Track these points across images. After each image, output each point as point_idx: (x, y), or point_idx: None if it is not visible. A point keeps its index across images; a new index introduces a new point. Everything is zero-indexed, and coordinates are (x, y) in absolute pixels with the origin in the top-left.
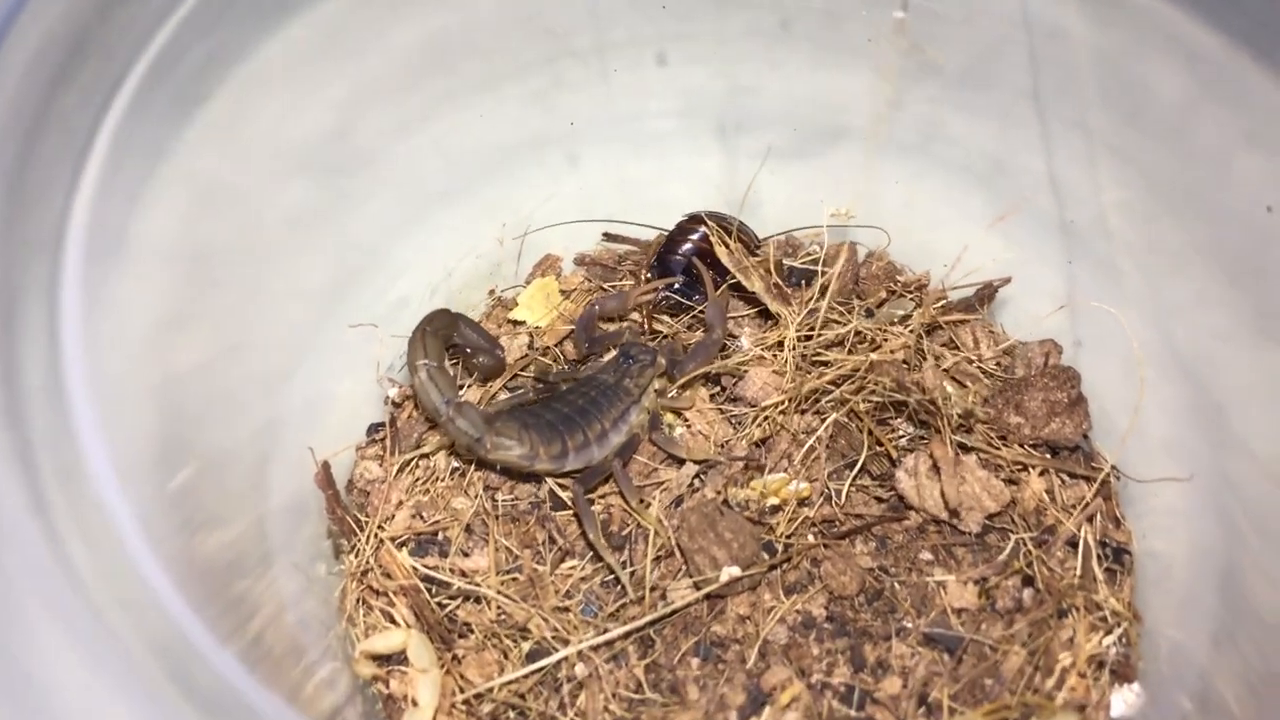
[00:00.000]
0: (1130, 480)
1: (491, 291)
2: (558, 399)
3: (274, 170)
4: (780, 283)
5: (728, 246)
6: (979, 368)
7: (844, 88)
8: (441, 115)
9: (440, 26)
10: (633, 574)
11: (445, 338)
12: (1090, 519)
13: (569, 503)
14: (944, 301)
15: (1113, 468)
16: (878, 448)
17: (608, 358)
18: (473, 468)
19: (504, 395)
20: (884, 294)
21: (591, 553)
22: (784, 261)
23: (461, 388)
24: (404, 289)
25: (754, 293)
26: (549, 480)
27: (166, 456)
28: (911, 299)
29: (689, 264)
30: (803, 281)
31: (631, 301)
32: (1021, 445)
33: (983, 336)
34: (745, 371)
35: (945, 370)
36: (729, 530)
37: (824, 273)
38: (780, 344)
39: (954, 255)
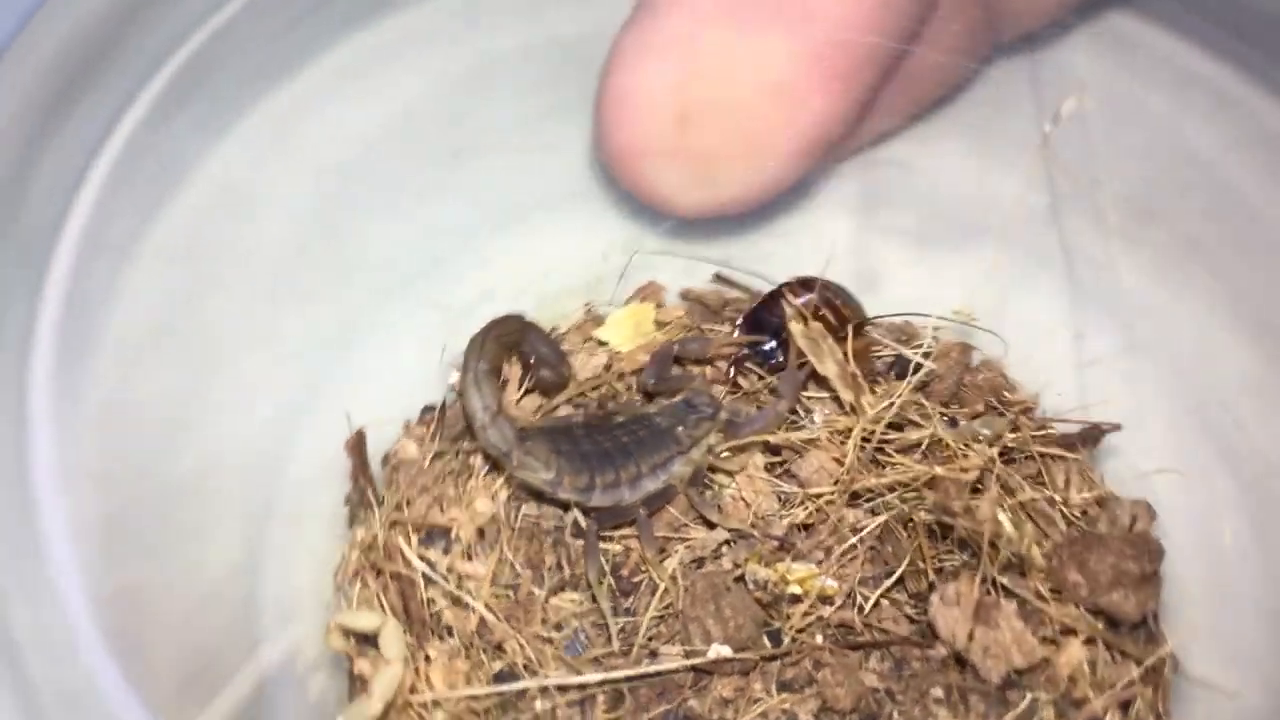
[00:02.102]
0: (1190, 681)
1: (587, 306)
2: (604, 430)
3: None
4: (858, 372)
5: (805, 322)
6: (1061, 510)
7: (994, 185)
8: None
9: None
10: (626, 626)
11: (509, 345)
12: (1125, 705)
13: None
14: (1045, 432)
15: (1171, 656)
16: (920, 564)
17: (670, 401)
18: (505, 473)
19: (565, 410)
20: (982, 406)
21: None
22: (879, 349)
23: (529, 392)
24: (492, 282)
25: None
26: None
27: None
28: (1009, 419)
29: (782, 327)
30: (902, 373)
31: (713, 350)
32: (1076, 605)
33: (1075, 479)
34: (807, 450)
35: (1021, 504)
36: (730, 607)
37: (921, 367)
38: (849, 431)
39: (1071, 385)
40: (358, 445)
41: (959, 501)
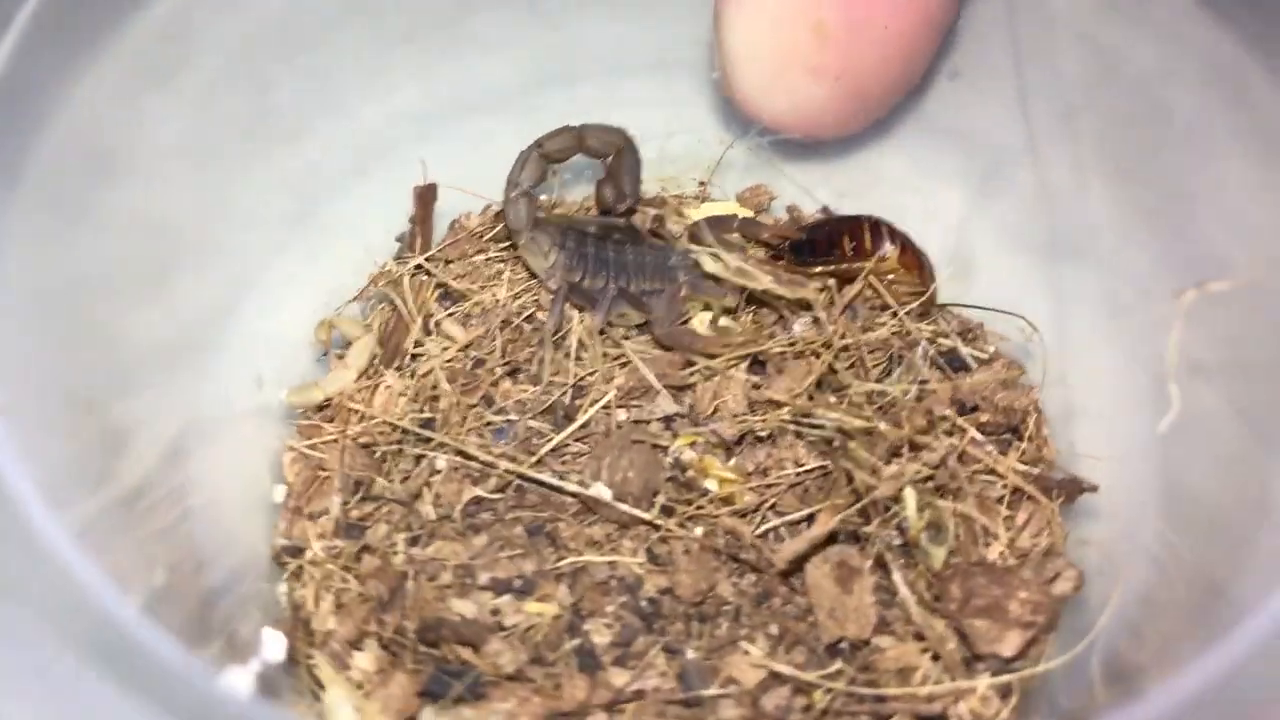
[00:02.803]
0: None
1: (703, 183)
2: (615, 242)
3: None
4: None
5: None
6: (1000, 546)
7: None
8: None
9: None
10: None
11: (601, 147)
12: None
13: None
14: (1029, 468)
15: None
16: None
17: (668, 245)
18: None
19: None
20: (988, 418)
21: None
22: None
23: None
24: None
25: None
26: None
27: None
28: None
29: (828, 238)
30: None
31: (766, 233)
32: (943, 617)
33: (1036, 524)
34: (786, 365)
35: (962, 515)
36: (630, 463)
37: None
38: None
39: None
40: (426, 194)
41: (872, 454)
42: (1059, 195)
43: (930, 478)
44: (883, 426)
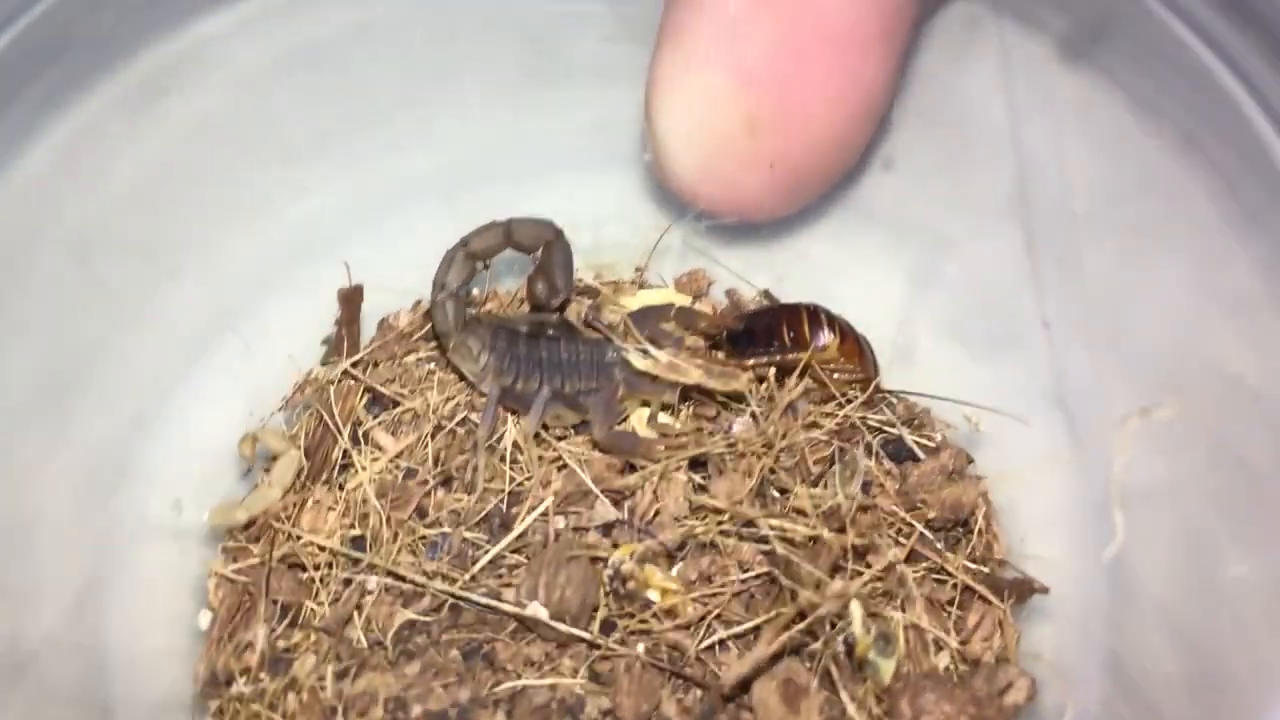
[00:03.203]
0: None
1: (639, 269)
2: (548, 340)
3: None
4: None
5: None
6: (950, 651)
7: None
8: None
9: None
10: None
11: (529, 242)
12: None
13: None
14: (980, 567)
15: None
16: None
17: (602, 338)
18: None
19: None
20: (935, 514)
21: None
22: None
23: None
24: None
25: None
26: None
27: None
28: (950, 543)
29: (766, 328)
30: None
31: (703, 323)
32: None
33: (987, 627)
34: (726, 467)
35: (913, 625)
36: (568, 580)
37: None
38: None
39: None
40: (351, 296)
41: (817, 564)
42: (997, 288)
43: (879, 580)
44: (827, 535)
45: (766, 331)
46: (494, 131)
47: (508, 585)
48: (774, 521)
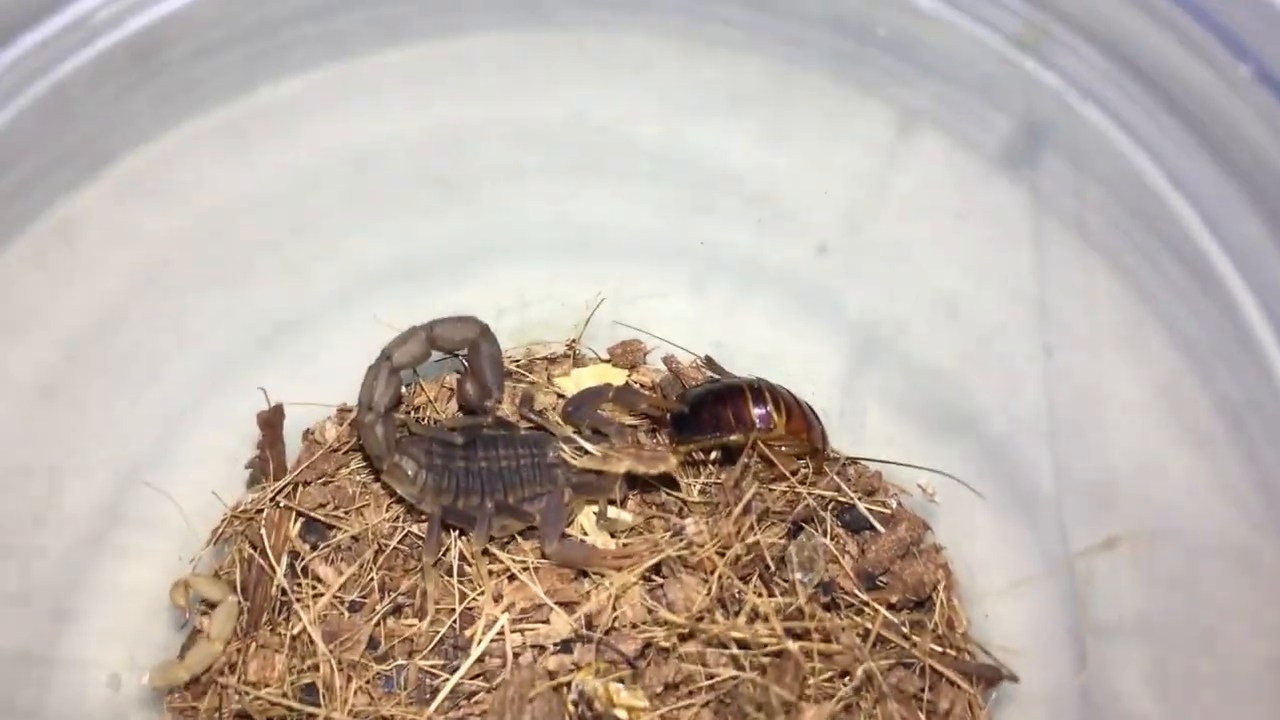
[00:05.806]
0: None
1: (571, 343)
2: (486, 447)
3: None
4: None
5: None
6: None
7: None
8: None
9: None
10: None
11: (452, 344)
12: None
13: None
14: (949, 651)
15: None
16: None
17: (541, 434)
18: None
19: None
20: (897, 598)
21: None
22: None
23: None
24: (471, 299)
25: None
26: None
27: None
28: (915, 625)
29: (709, 409)
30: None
31: (642, 404)
32: None
33: (959, 715)
34: (680, 571)
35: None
36: (532, 717)
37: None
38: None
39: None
40: (271, 417)
41: (783, 681)
42: (941, 375)
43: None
44: (792, 646)
45: (712, 415)
46: (399, 234)
47: (471, 715)
48: (737, 635)
